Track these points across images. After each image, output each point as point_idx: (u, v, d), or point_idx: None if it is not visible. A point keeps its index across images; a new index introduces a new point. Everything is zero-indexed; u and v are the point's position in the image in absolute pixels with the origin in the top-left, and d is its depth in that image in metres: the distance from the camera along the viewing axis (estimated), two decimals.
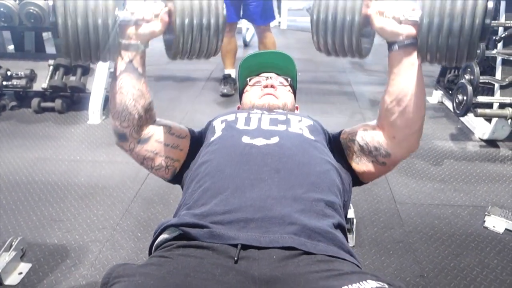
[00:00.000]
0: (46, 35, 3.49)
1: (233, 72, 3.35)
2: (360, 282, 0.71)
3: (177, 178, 1.13)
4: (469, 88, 2.21)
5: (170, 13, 0.96)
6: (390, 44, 0.97)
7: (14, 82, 2.83)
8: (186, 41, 0.94)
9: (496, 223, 1.76)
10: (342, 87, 3.44)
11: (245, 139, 1.01)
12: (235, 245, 0.77)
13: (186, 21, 0.92)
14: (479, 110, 2.27)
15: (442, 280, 1.49)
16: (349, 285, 0.70)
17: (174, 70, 3.76)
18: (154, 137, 1.08)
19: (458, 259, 1.59)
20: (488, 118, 2.48)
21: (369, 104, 3.10)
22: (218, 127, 1.10)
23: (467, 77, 2.31)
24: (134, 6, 0.97)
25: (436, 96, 3.13)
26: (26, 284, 1.46)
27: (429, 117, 2.90)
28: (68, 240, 1.68)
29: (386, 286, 0.72)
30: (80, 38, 0.89)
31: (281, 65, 1.34)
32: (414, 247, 1.65)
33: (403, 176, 2.15)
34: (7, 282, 1.45)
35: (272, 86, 1.25)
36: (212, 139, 1.07)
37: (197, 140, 1.14)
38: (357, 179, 1.13)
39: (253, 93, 1.27)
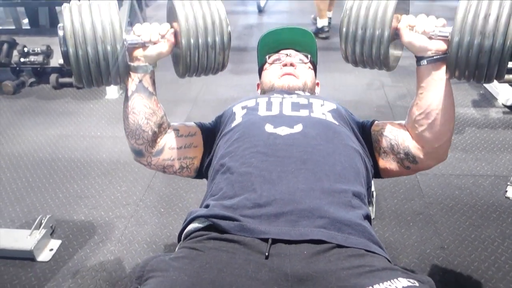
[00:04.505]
0: (60, 9, 3.46)
1: (325, 23, 3.63)
2: (392, 280, 0.71)
3: (201, 172, 1.15)
4: None
5: (176, 34, 0.97)
6: (418, 59, 0.97)
7: (32, 58, 2.85)
8: (193, 60, 0.96)
9: None
10: None
11: (268, 128, 0.99)
12: (265, 240, 0.78)
13: (192, 41, 0.94)
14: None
15: (463, 251, 1.50)
16: (381, 283, 0.70)
17: None
18: (167, 145, 1.09)
19: (479, 230, 1.59)
20: None
21: None
22: (239, 113, 1.09)
23: None
24: (140, 28, 0.97)
25: None
26: (58, 260, 1.52)
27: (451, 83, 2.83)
28: (94, 216, 1.73)
29: (417, 283, 0.72)
30: (91, 66, 0.91)
31: (300, 41, 1.30)
32: (434, 219, 1.65)
33: None
34: (40, 258, 1.52)
35: (291, 65, 1.22)
36: (233, 125, 1.06)
37: (210, 132, 1.14)
38: (376, 172, 1.13)
39: (272, 72, 1.25)
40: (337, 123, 1.05)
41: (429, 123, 0.99)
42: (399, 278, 0.72)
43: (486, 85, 2.64)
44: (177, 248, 0.88)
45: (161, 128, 1.08)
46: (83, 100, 2.77)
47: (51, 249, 1.56)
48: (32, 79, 2.97)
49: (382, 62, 0.96)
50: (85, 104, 2.70)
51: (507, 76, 2.20)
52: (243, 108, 1.11)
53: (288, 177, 0.87)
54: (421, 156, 1.04)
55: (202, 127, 1.16)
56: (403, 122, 1.10)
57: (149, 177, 1.96)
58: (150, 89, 1.03)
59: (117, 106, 2.65)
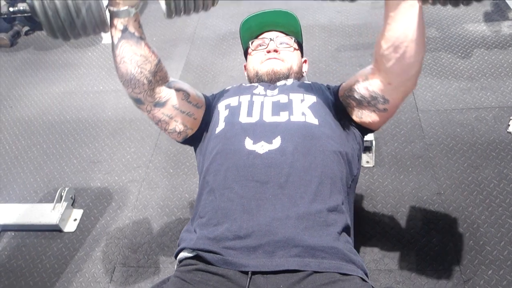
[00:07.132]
0: None
1: None
2: None
3: (188, 142, 1.16)
4: None
5: None
6: None
7: (21, 7, 2.75)
8: (177, 3, 0.88)
9: None
10: None
11: (248, 144, 1.01)
12: (246, 272, 0.85)
13: None
14: None
15: (458, 196, 1.56)
16: None
17: None
18: (171, 101, 1.06)
19: (476, 172, 1.63)
20: None
21: None
22: (222, 114, 1.10)
23: None
24: None
25: None
26: (82, 230, 1.67)
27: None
28: (109, 182, 1.84)
29: None
30: (62, 16, 0.82)
31: (283, 23, 1.24)
32: (433, 162, 1.69)
33: (428, 76, 2.08)
34: (66, 229, 1.67)
35: (275, 51, 1.18)
36: (217, 131, 1.07)
37: (210, 110, 1.14)
38: (366, 129, 1.12)
39: (256, 59, 1.21)
40: (317, 122, 1.04)
41: (397, 57, 0.91)
42: None
43: None
44: (175, 269, 0.98)
45: (158, 76, 1.02)
46: (80, 47, 2.72)
47: (75, 219, 1.71)
48: (27, 28, 2.91)
49: None
50: (83, 53, 2.67)
51: None
52: (226, 108, 1.11)
53: (265, 206, 0.91)
54: (390, 93, 1.01)
55: (208, 103, 1.15)
56: (364, 70, 1.04)
57: (156, 135, 2.02)
58: (137, 34, 0.95)
59: None
